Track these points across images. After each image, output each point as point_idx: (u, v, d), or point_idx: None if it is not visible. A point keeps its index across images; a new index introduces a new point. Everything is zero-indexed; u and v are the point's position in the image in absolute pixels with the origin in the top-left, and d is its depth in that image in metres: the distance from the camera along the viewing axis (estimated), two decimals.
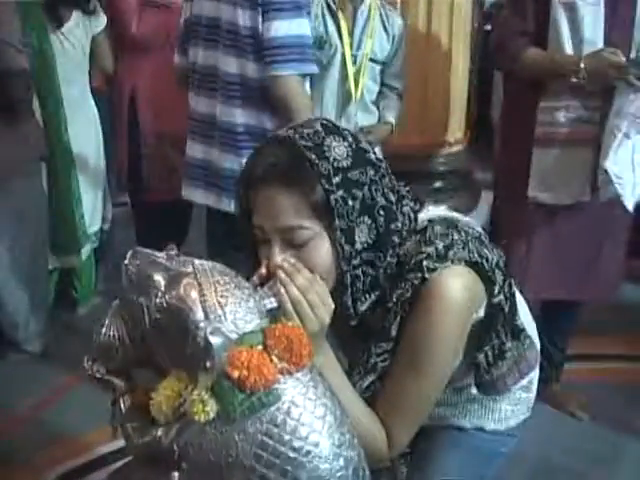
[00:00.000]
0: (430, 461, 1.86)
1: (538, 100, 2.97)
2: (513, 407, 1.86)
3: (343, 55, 3.39)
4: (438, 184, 4.11)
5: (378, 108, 3.57)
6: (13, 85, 3.59)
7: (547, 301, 3.32)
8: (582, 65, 2.80)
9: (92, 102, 4.27)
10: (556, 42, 2.89)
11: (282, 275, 1.40)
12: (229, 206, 2.82)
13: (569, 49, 2.87)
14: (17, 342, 3.98)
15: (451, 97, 4.28)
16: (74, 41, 4.04)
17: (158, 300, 1.19)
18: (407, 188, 1.65)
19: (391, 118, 3.56)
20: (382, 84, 3.57)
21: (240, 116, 2.80)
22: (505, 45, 3.04)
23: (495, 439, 1.89)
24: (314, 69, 2.77)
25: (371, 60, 3.48)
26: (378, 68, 3.51)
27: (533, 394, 1.90)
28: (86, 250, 4.35)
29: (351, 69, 3.40)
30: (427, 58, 4.15)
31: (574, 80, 2.84)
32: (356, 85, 3.41)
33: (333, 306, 1.44)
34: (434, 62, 4.21)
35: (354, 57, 3.40)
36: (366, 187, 1.48)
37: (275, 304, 1.28)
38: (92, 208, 4.41)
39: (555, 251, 3.13)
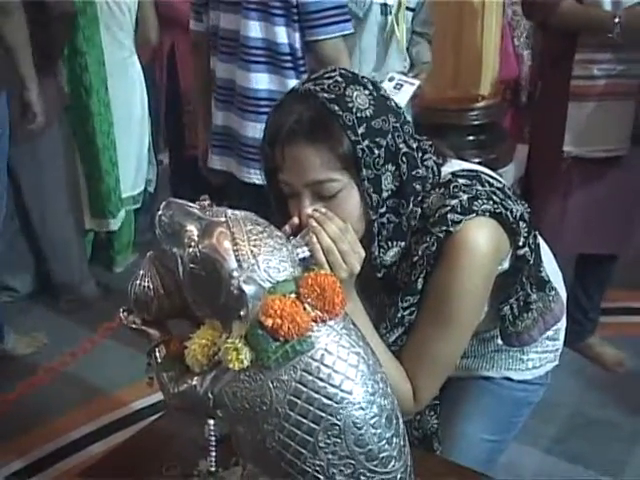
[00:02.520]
0: (459, 412, 1.88)
1: (573, 53, 2.93)
2: (540, 356, 1.87)
3: (380, 5, 3.34)
4: (472, 137, 4.09)
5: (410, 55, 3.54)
6: (56, 28, 3.62)
7: (582, 254, 3.31)
8: (617, 20, 2.76)
9: (138, 66, 4.27)
10: None
11: (314, 223, 1.40)
12: (247, 176, 2.83)
13: (607, 4, 2.82)
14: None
15: (484, 51, 4.24)
16: (120, 2, 4.02)
17: (191, 250, 1.19)
18: (429, 142, 1.64)
19: (427, 59, 3.53)
20: (412, 31, 3.53)
21: (263, 82, 2.79)
22: None
23: (523, 388, 1.90)
24: (351, 28, 2.78)
25: (406, 8, 3.43)
26: (410, 15, 3.47)
27: (560, 342, 1.91)
28: (121, 215, 4.37)
29: (392, 17, 3.35)
30: (460, 11, 4.10)
31: (609, 35, 2.80)
32: (400, 32, 3.37)
33: (364, 254, 1.45)
34: (467, 15, 4.17)
35: (390, 7, 3.35)
36: (389, 135, 1.48)
37: (308, 253, 1.28)
38: (136, 170, 4.43)
39: (592, 205, 3.11)
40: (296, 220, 1.48)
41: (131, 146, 4.37)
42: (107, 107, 4.16)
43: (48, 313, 4.10)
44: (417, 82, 3.28)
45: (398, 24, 3.33)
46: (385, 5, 3.31)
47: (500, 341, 1.77)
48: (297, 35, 2.74)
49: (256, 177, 2.76)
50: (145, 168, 4.53)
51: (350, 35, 2.84)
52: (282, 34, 2.73)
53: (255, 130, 2.77)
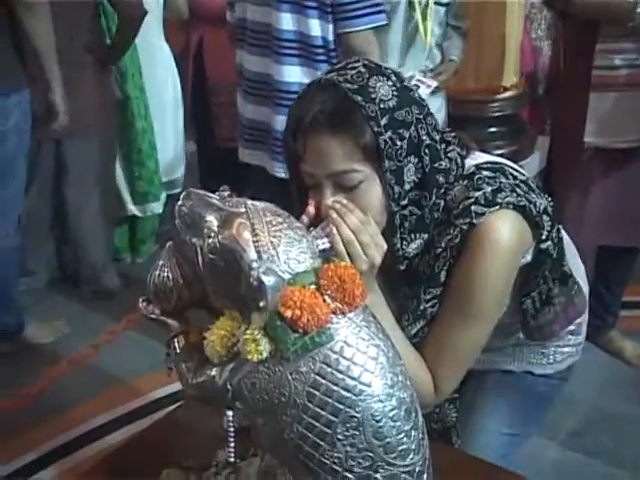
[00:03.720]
0: (479, 405, 1.88)
1: (595, 43, 2.90)
2: (562, 350, 1.86)
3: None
4: (493, 129, 4.07)
5: (441, 50, 3.51)
6: (129, 30, 3.69)
7: (603, 247, 3.29)
8: (638, 10, 2.73)
9: (168, 49, 4.29)
10: None
11: (334, 215, 1.40)
12: (278, 170, 2.81)
13: None
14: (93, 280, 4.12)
15: (506, 42, 4.22)
16: None
17: (211, 241, 1.18)
18: (453, 134, 1.64)
19: (455, 57, 3.50)
20: (446, 25, 3.50)
21: (295, 75, 2.77)
22: None
23: (544, 382, 1.90)
24: (385, 19, 2.79)
25: (435, 3, 3.39)
26: (443, 10, 3.43)
27: (583, 336, 1.90)
28: (163, 197, 4.40)
29: (418, 12, 3.32)
30: (482, 2, 4.08)
31: (629, 25, 2.77)
32: (425, 28, 3.34)
33: (385, 246, 1.44)
34: (489, 7, 4.15)
35: (416, 2, 3.32)
36: (412, 126, 1.48)
37: (328, 245, 1.27)
38: (173, 153, 4.44)
39: (613, 196, 3.09)
40: (312, 209, 1.48)
41: (166, 130, 4.40)
42: (142, 91, 4.19)
43: (69, 302, 4.12)
44: (434, 84, 3.26)
45: (424, 20, 3.30)
46: (412, 0, 3.28)
47: (522, 335, 1.76)
48: (330, 27, 2.74)
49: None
50: (182, 152, 4.54)
51: (381, 27, 2.84)
52: (315, 27, 2.73)
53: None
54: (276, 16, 2.74)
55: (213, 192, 1.28)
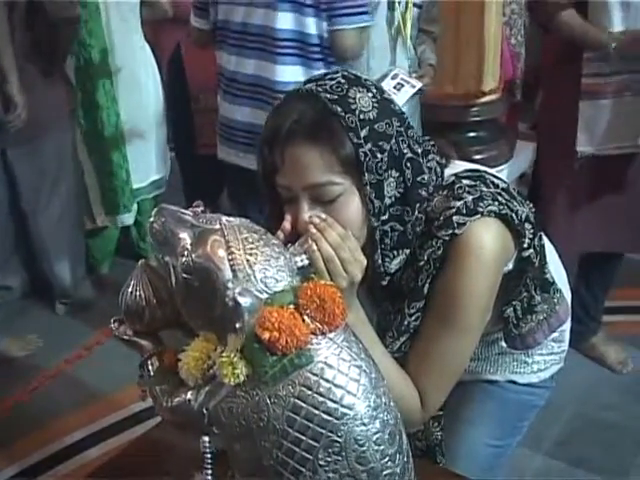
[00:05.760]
0: (464, 417, 1.84)
1: (582, 50, 2.89)
2: (545, 358, 1.83)
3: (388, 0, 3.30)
4: (472, 134, 4.04)
5: (416, 53, 3.49)
6: (62, 34, 3.65)
7: (586, 253, 3.27)
8: (613, 46, 2.74)
9: (149, 49, 4.19)
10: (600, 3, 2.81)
11: (313, 230, 1.35)
12: None
13: (613, 22, 2.78)
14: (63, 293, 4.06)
15: (485, 46, 4.20)
16: None
17: (184, 259, 1.14)
18: (432, 142, 1.60)
19: (432, 61, 3.48)
20: (418, 29, 3.47)
21: (293, 75, 2.77)
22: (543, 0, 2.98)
23: (529, 391, 1.87)
24: (371, 20, 2.87)
25: (413, 4, 3.37)
26: (416, 11, 3.41)
27: (566, 344, 1.88)
28: (135, 208, 4.32)
29: (398, 13, 3.29)
30: (460, 6, 4.05)
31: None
32: (405, 30, 3.32)
33: (365, 262, 1.40)
34: (467, 11, 4.12)
35: (396, 3, 3.30)
36: (393, 139, 1.44)
37: (306, 261, 1.23)
38: (156, 154, 4.35)
39: (604, 203, 3.08)
40: (287, 225, 1.44)
41: (149, 131, 4.29)
42: (113, 99, 4.10)
43: (44, 314, 4.07)
44: (419, 85, 3.24)
45: (405, 21, 3.28)
46: (392, 1, 3.26)
47: (504, 344, 1.73)
48: (324, 25, 2.78)
49: None
50: (167, 153, 4.45)
51: (365, 28, 2.89)
52: (312, 25, 2.77)
53: None
54: (273, 16, 2.76)
55: (187, 207, 1.23)
